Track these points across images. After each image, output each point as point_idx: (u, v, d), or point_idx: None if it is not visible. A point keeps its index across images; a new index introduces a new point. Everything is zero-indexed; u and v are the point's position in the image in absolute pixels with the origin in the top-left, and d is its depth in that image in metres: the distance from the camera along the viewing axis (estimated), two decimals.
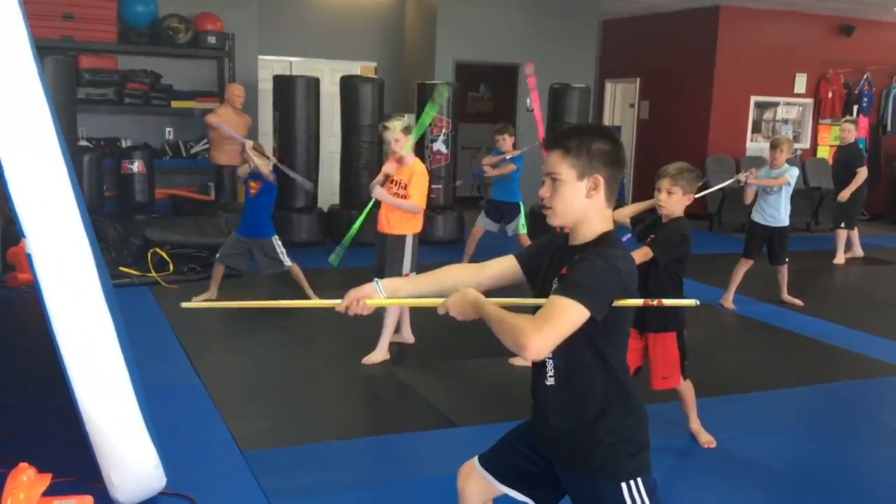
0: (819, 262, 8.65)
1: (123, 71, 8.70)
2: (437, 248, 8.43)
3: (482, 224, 7.33)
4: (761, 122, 11.87)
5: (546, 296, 1.93)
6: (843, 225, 8.57)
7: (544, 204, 2.05)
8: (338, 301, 2.18)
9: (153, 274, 6.60)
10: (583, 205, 1.99)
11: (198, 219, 7.59)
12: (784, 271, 6.73)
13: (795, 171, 6.49)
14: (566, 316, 1.82)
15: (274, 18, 10.32)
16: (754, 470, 3.71)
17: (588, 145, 1.96)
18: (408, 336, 5.29)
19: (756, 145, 11.62)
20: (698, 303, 2.19)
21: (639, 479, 1.98)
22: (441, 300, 2.05)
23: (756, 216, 6.59)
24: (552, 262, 2.07)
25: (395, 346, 5.18)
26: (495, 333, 1.93)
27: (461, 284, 2.09)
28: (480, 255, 7.46)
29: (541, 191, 2.04)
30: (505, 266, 2.20)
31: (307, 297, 6.21)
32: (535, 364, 2.08)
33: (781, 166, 6.41)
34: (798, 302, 6.70)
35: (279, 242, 6.12)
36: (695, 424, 3.89)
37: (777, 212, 6.49)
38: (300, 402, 4.41)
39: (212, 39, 8.93)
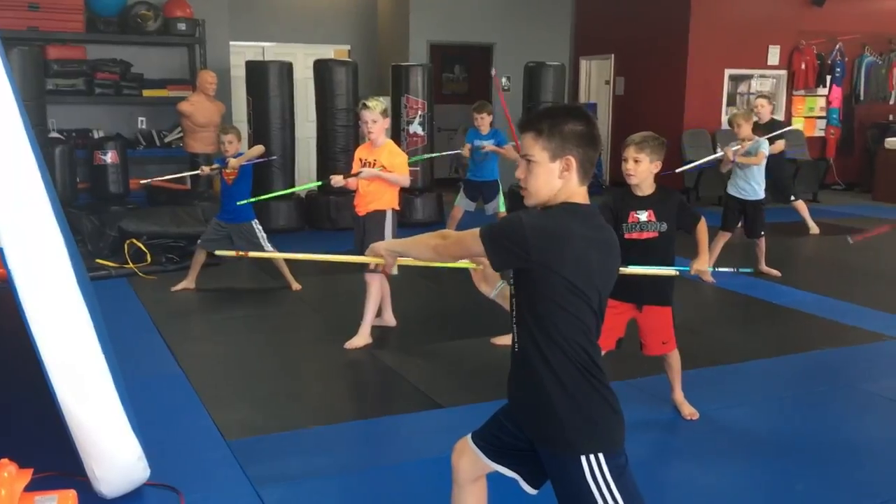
0: (794, 233, 8.71)
1: (92, 61, 8.58)
2: (416, 231, 8.40)
3: (461, 205, 7.32)
4: (736, 95, 11.90)
5: None
6: (792, 198, 8.61)
7: (521, 185, 2.09)
8: (379, 259, 2.43)
9: (130, 265, 6.53)
10: (556, 185, 2.03)
11: (174, 209, 7.51)
12: (761, 244, 6.79)
13: (766, 144, 6.52)
14: (463, 239, 2.11)
15: (245, 3, 10.21)
16: (739, 440, 3.74)
17: (560, 127, 2.00)
18: (389, 319, 5.28)
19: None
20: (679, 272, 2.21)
21: (600, 455, 1.97)
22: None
23: (731, 189, 6.69)
24: None
25: (377, 330, 5.16)
26: (416, 256, 2.32)
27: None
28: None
29: (517, 172, 2.10)
30: None
31: (288, 284, 6.18)
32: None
33: (749, 137, 6.41)
34: (776, 273, 6.76)
35: (259, 227, 6.08)
36: (678, 395, 3.92)
37: (750, 185, 6.55)
38: (283, 388, 4.39)
39: (182, 26, 8.82)
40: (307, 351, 5.00)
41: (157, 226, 6.95)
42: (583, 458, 1.97)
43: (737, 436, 3.79)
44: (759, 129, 8.30)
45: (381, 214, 4.85)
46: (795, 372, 4.67)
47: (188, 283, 6.14)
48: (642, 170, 3.61)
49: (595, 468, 1.97)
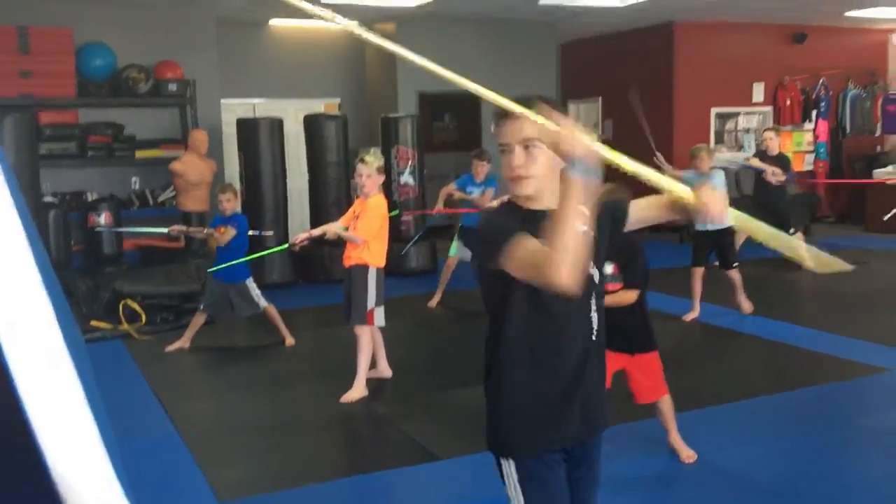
0: (785, 265, 8.73)
1: (85, 124, 8.67)
2: (410, 280, 8.44)
3: (459, 255, 7.29)
4: (724, 133, 12.03)
5: None
6: (791, 231, 8.68)
7: (517, 174, 1.94)
8: None
9: (125, 326, 6.53)
10: (553, 171, 1.91)
11: (168, 268, 7.53)
12: (735, 276, 6.63)
13: (719, 177, 6.47)
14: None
15: (234, 62, 10.36)
16: (737, 482, 3.71)
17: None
18: (385, 370, 5.27)
19: (721, 156, 11.75)
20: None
21: (511, 461, 1.99)
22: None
23: (698, 224, 6.42)
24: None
25: (372, 382, 5.15)
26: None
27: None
28: (457, 284, 7.51)
29: (513, 161, 1.95)
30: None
31: (283, 337, 6.18)
32: None
33: (706, 171, 6.39)
34: (748, 307, 6.65)
35: (254, 285, 6.11)
36: (675, 438, 3.90)
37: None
38: (279, 446, 4.36)
39: (173, 87, 8.94)
40: (303, 406, 4.98)
41: (152, 285, 6.96)
42: (502, 460, 2.02)
43: (735, 477, 3.76)
44: (767, 160, 8.35)
45: (364, 269, 4.89)
46: (790, 409, 4.65)
47: (183, 342, 6.13)
48: None
49: (508, 471, 2.00)
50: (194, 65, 9.20)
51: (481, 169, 7.12)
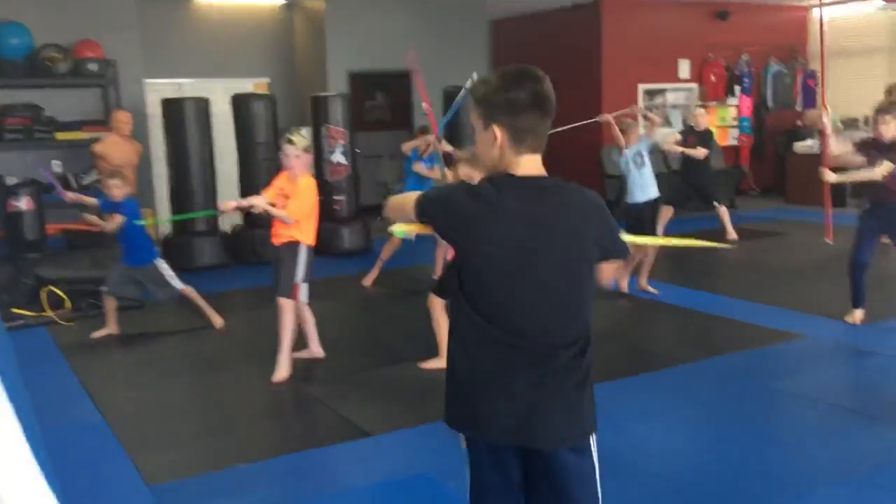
0: (713, 239, 8.96)
1: (1, 106, 8.38)
2: (343, 260, 8.41)
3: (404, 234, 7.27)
4: (652, 109, 12.23)
5: None
6: (716, 203, 8.97)
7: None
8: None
9: (49, 312, 6.37)
10: (494, 154, 1.98)
11: (94, 252, 7.36)
12: (650, 255, 6.61)
13: (644, 144, 6.59)
14: (405, 203, 2.10)
15: (158, 41, 10.11)
16: (661, 447, 3.84)
17: (490, 96, 1.97)
18: (317, 351, 5.26)
19: (659, 132, 11.95)
20: None
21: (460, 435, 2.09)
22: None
23: (639, 196, 6.56)
24: None
25: (304, 362, 5.15)
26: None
27: None
28: (396, 261, 7.51)
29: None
30: None
31: (209, 321, 6.09)
32: None
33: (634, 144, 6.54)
34: (653, 290, 6.65)
35: (165, 265, 5.98)
36: None
37: (649, 188, 6.54)
38: (208, 428, 4.33)
39: (93, 67, 8.69)
40: (232, 388, 4.94)
41: (75, 271, 6.80)
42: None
43: (659, 444, 3.88)
44: (692, 135, 8.78)
45: (295, 246, 4.87)
46: (712, 376, 4.78)
47: (110, 328, 6.01)
48: None
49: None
50: (115, 44, 8.96)
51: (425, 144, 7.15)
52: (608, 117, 6.79)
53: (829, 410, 4.22)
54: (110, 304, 6.00)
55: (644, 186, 6.56)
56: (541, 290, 1.93)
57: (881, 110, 5.41)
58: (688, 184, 9.11)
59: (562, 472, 2.00)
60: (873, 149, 5.33)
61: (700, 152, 8.51)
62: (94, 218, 5.95)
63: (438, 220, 2.02)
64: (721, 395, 4.46)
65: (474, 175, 2.06)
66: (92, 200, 6.07)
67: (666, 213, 9.22)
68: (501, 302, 1.94)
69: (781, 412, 4.27)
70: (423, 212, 2.03)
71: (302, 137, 4.90)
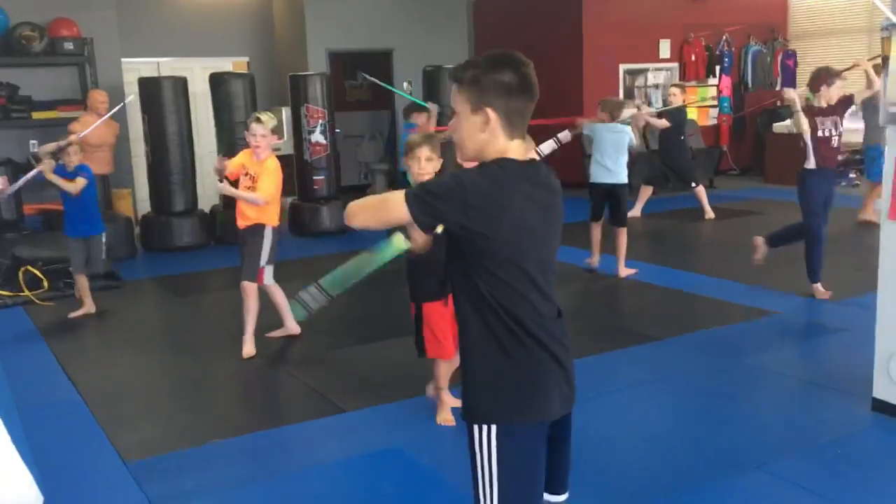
0: (691, 218, 9.04)
1: None
2: (323, 240, 8.42)
3: None
4: (633, 89, 12.26)
5: None
6: (694, 184, 9.05)
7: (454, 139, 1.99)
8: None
9: (26, 292, 6.35)
10: (481, 139, 1.91)
11: None
12: (622, 238, 6.55)
13: (626, 128, 6.52)
14: (385, 203, 1.90)
15: (136, 19, 10.02)
16: (633, 421, 3.90)
17: (480, 77, 1.89)
18: (293, 328, 5.28)
19: (630, 111, 11.98)
20: None
21: (493, 426, 1.92)
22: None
23: (599, 177, 6.50)
24: None
25: (280, 340, 5.18)
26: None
27: None
28: (370, 240, 7.49)
29: (449, 124, 1.99)
30: None
31: (85, 306, 6.03)
32: None
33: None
34: (633, 271, 6.64)
35: (103, 244, 6.04)
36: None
37: (618, 169, 6.43)
38: (183, 406, 4.36)
39: (69, 45, 8.61)
40: (208, 367, 4.96)
41: (53, 251, 6.77)
42: (475, 427, 1.94)
43: (632, 418, 3.95)
44: (666, 114, 8.96)
45: (260, 228, 4.89)
46: (686, 352, 4.84)
47: (87, 308, 6.02)
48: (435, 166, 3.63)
49: (484, 437, 1.93)
50: (92, 22, 8.87)
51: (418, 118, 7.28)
52: (583, 122, 6.68)
53: (797, 385, 4.30)
54: (83, 283, 5.99)
55: (599, 169, 6.51)
56: (552, 271, 1.99)
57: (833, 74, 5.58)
58: (665, 164, 9.18)
59: (569, 430, 2.10)
60: (818, 114, 5.57)
61: (661, 123, 8.69)
62: (59, 180, 5.80)
63: (457, 214, 1.82)
64: (692, 371, 4.53)
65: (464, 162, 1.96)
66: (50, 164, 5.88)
67: (645, 192, 9.31)
68: (535, 279, 1.92)
69: (751, 387, 4.33)
70: (426, 209, 1.83)
71: (270, 117, 4.88)
